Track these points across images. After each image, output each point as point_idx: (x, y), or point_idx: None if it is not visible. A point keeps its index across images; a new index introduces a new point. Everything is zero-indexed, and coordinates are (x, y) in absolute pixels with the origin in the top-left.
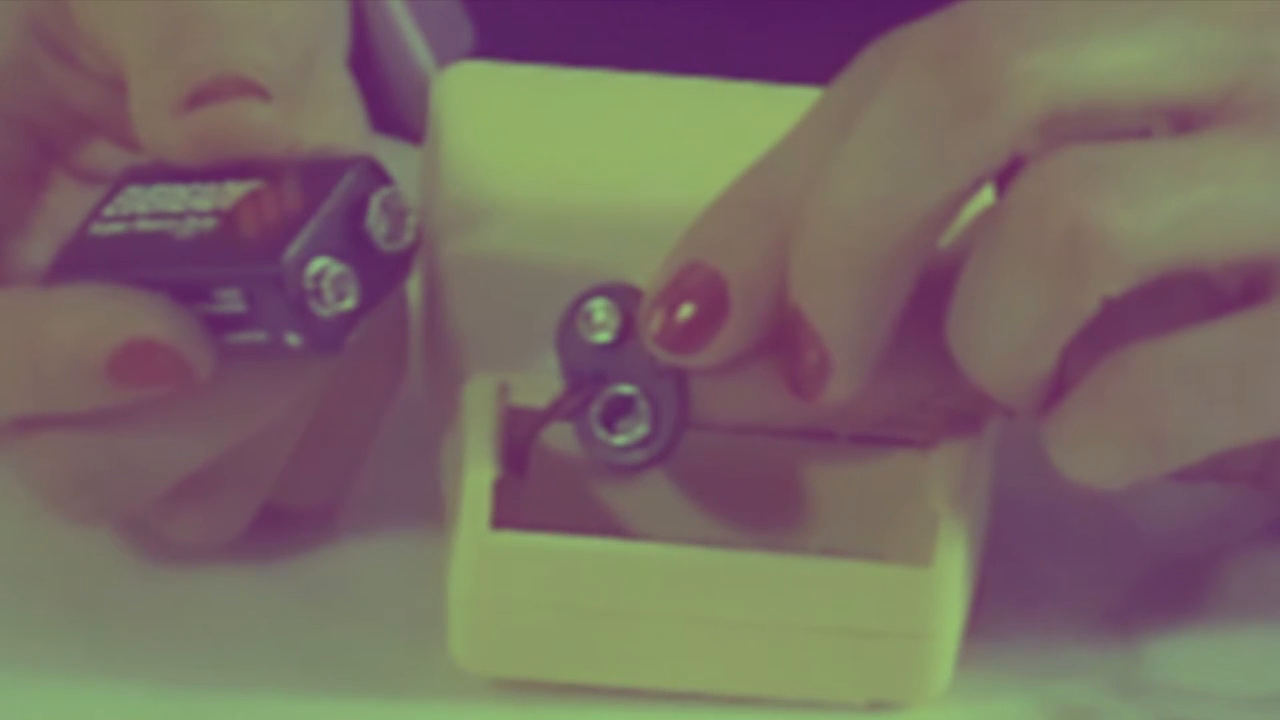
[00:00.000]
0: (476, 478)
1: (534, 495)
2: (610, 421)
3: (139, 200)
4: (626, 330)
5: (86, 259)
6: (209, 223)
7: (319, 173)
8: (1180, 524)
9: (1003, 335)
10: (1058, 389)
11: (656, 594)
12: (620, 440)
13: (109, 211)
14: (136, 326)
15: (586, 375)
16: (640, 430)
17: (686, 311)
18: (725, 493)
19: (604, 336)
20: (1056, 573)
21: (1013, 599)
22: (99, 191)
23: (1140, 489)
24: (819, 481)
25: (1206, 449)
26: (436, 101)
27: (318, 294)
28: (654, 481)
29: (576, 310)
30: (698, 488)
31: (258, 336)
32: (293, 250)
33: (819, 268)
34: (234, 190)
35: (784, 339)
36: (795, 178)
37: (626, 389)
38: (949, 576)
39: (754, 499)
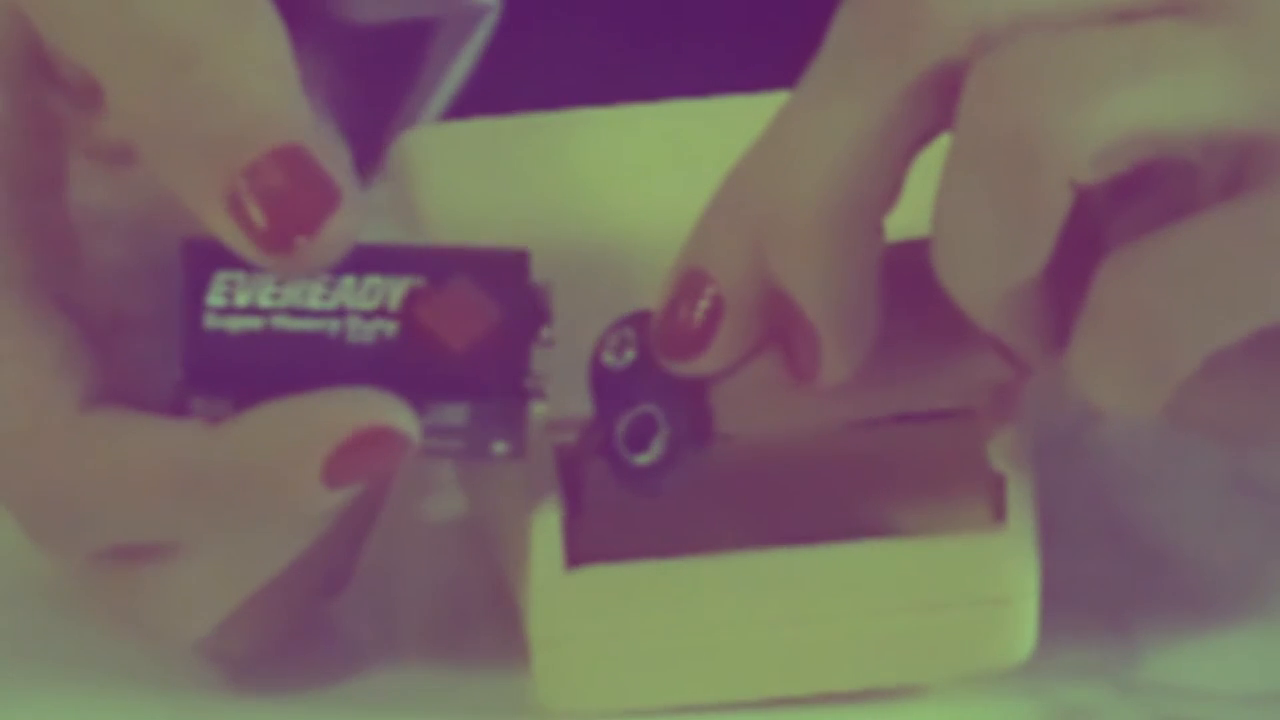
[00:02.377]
0: (544, 519)
1: (590, 527)
2: (636, 443)
3: (251, 290)
4: (648, 353)
5: (237, 364)
6: (390, 327)
7: (477, 265)
8: (1179, 523)
9: (974, 246)
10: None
11: (737, 602)
12: (643, 459)
13: (216, 302)
14: (361, 416)
15: (611, 402)
16: (660, 447)
17: (683, 317)
18: (771, 491)
19: (628, 358)
20: (1055, 572)
21: None
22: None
23: (1140, 487)
24: (866, 465)
25: (1215, 344)
26: (400, 166)
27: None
28: (702, 492)
29: (602, 343)
30: (743, 491)
31: (453, 443)
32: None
33: (782, 236)
34: (389, 287)
35: (777, 326)
36: (770, 169)
37: (648, 408)
38: (1023, 535)
39: (803, 492)
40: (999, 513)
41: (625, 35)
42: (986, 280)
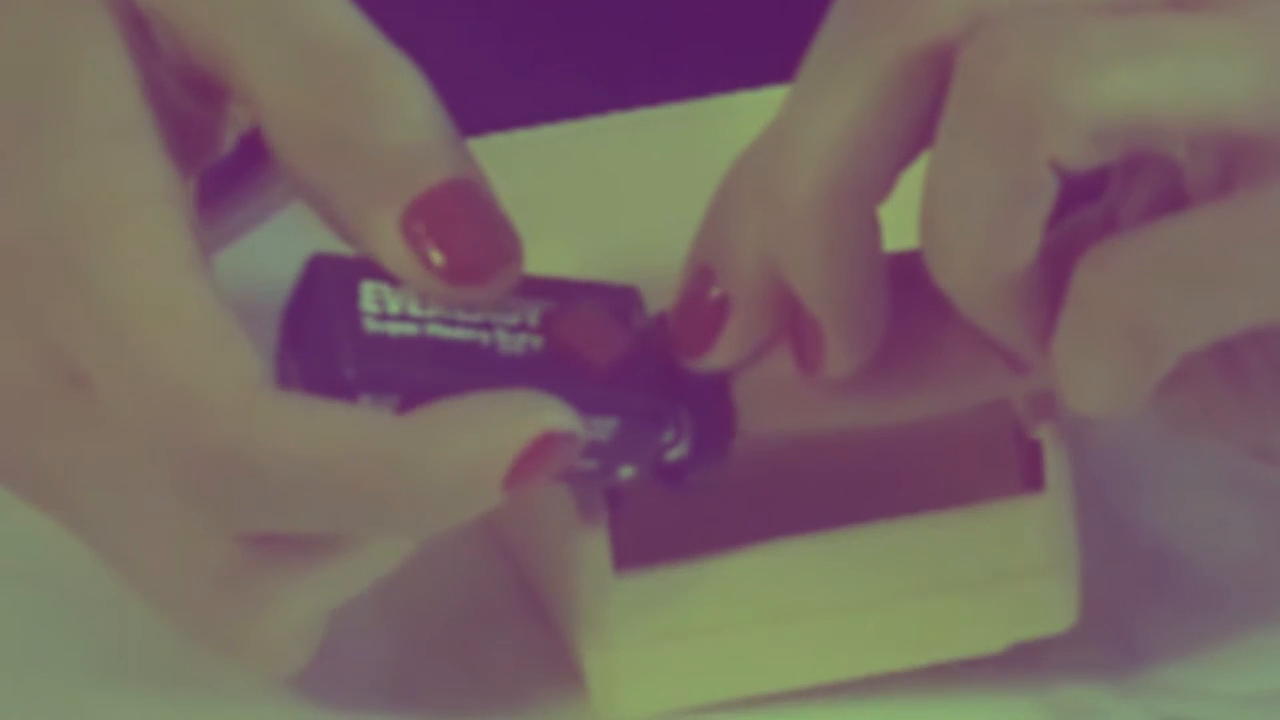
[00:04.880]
0: (592, 525)
1: (631, 530)
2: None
3: (400, 300)
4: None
5: (402, 365)
6: (536, 341)
7: (596, 294)
8: (1179, 523)
9: (961, 218)
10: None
11: (785, 592)
12: (672, 455)
13: (370, 309)
14: (542, 420)
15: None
16: (685, 444)
17: (693, 314)
18: (801, 476)
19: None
20: None
21: None
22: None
23: (1140, 487)
24: (894, 442)
25: (1191, 342)
26: None
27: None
28: (735, 484)
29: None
30: (774, 479)
31: (588, 463)
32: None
33: (779, 225)
34: (524, 306)
35: (787, 319)
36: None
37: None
38: (1062, 499)
39: (833, 474)
40: (1031, 482)
41: (622, 38)
42: (975, 261)
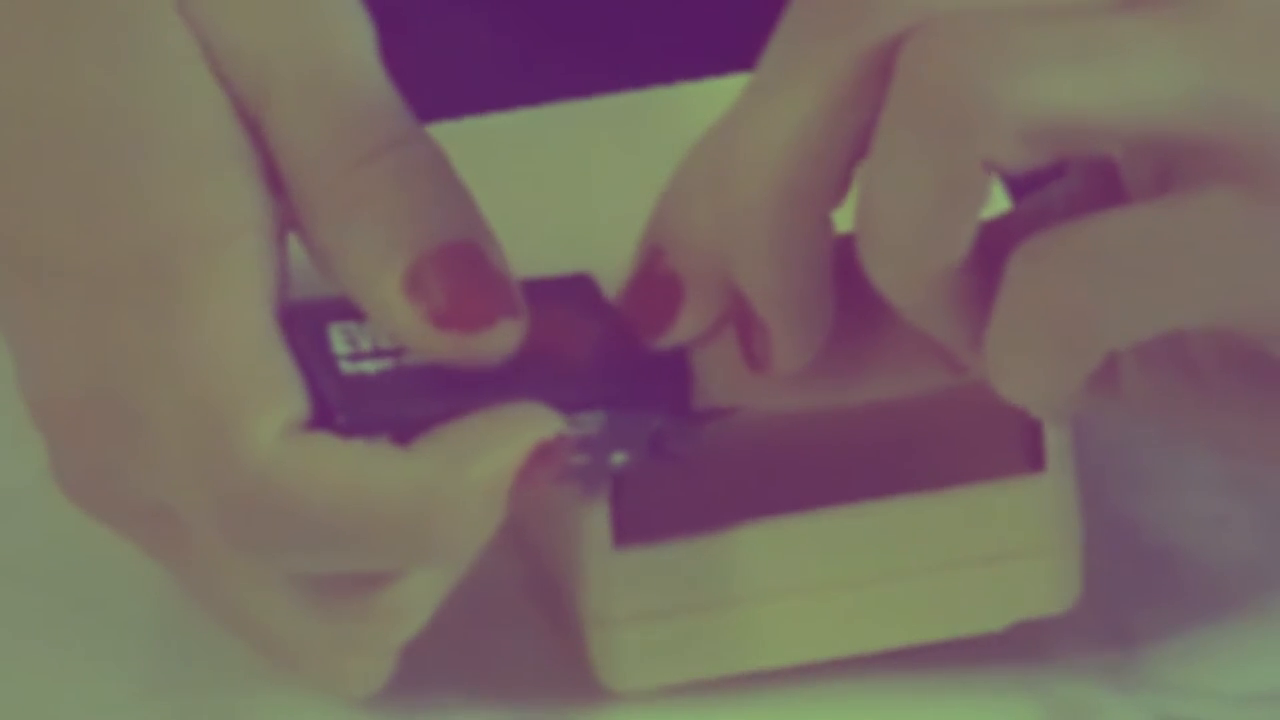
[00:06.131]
0: (594, 500)
1: (632, 505)
2: None
3: (369, 336)
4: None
5: (385, 402)
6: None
7: (552, 289)
8: (1179, 521)
9: (893, 214)
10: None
11: (787, 568)
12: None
13: (342, 350)
14: (537, 429)
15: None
16: (656, 422)
17: (645, 293)
18: (799, 454)
19: None
20: None
21: None
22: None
23: (1140, 485)
24: (892, 420)
25: (1118, 340)
26: None
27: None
28: (734, 461)
29: None
30: (773, 456)
31: (579, 457)
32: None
33: (731, 228)
34: None
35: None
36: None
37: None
38: (1063, 478)
39: (832, 452)
40: (1033, 462)
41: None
42: (906, 256)
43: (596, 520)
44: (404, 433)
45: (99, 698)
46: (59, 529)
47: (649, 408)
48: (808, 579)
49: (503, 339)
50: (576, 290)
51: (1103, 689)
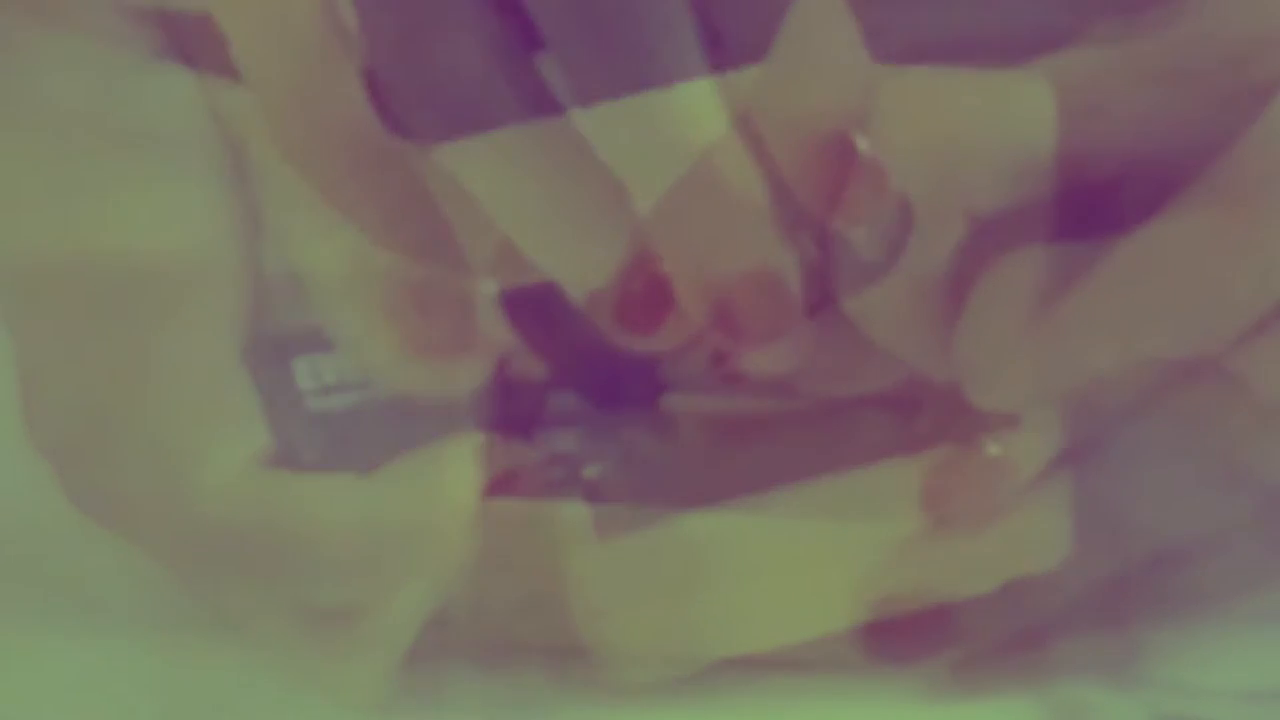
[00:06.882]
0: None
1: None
2: None
3: (334, 369)
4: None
5: (352, 438)
6: None
7: (513, 300)
8: (1179, 521)
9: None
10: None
11: (776, 545)
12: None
13: (308, 385)
14: (497, 458)
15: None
16: (629, 433)
17: (635, 298)
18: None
19: None
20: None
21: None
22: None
23: (1141, 484)
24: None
25: (1091, 369)
26: None
27: None
28: (717, 444)
29: None
30: (756, 435)
31: (554, 472)
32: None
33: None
34: None
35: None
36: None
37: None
38: (1046, 431)
39: (809, 423)
40: (1010, 420)
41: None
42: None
43: (576, 513)
44: (371, 469)
45: (99, 697)
46: (59, 529)
47: (622, 420)
48: (798, 555)
49: (473, 369)
50: (543, 298)
51: (1102, 688)
